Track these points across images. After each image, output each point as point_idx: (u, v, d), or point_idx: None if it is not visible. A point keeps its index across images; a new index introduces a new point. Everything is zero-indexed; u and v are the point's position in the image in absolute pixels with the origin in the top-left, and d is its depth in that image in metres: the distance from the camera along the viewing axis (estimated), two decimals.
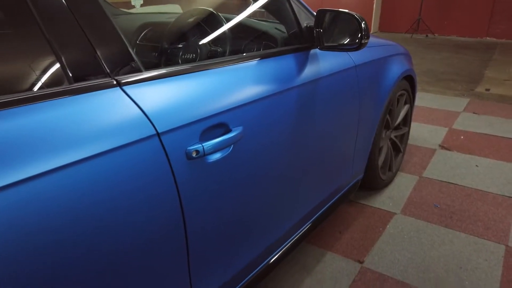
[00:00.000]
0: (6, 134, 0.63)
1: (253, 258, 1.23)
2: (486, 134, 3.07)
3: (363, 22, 1.24)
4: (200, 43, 1.41)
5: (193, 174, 0.91)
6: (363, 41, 1.23)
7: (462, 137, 3.01)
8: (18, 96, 0.67)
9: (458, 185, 2.31)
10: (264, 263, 1.30)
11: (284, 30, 1.47)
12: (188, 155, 0.89)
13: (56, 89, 0.72)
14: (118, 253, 0.78)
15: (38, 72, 0.73)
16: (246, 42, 1.48)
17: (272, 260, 1.34)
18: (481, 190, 2.25)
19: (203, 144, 0.91)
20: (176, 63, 1.40)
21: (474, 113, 3.57)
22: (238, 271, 1.17)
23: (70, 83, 0.75)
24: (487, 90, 4.27)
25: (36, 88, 0.71)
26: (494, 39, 7.97)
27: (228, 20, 1.47)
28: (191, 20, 1.46)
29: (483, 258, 1.71)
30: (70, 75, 0.75)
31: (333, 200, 1.69)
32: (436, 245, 1.79)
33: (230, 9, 1.48)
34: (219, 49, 1.39)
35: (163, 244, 0.88)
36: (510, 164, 2.55)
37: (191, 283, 0.99)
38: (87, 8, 0.79)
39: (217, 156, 0.97)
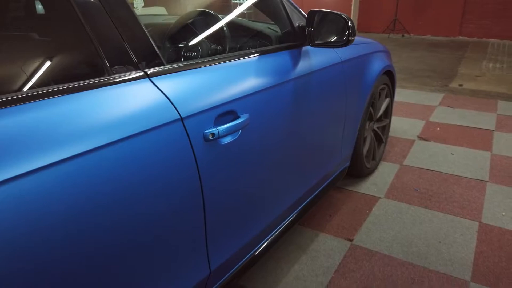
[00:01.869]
0: (62, 118, 0.75)
1: (257, 233, 1.37)
2: (460, 125, 3.30)
3: (350, 21, 1.40)
4: (205, 41, 1.54)
5: (209, 153, 1.04)
6: (350, 38, 1.39)
7: (438, 129, 3.23)
8: (73, 84, 0.80)
9: (435, 171, 2.51)
10: (267, 238, 1.44)
11: (277, 29, 1.61)
12: (206, 137, 1.02)
13: (100, 80, 0.85)
14: (149, 221, 0.90)
15: (85, 66, 0.85)
16: (246, 40, 1.63)
17: (272, 237, 1.48)
18: (456, 175, 2.45)
19: (218, 128, 1.04)
20: (189, 58, 1.52)
21: (448, 106, 3.81)
22: (245, 243, 1.31)
23: (109, 75, 0.88)
24: (460, 85, 4.54)
25: (84, 78, 0.84)
26: (466, 37, 8.35)
27: (227, 20, 1.60)
28: (195, 20, 1.59)
29: (459, 233, 1.90)
30: (110, 68, 0.88)
31: (324, 184, 1.85)
32: (417, 223, 1.98)
33: (228, 11, 1.62)
34: (221, 47, 1.53)
35: (185, 214, 1.01)
36: (482, 152, 2.77)
37: (208, 251, 1.13)
38: (121, 12, 0.92)
39: (228, 139, 1.10)
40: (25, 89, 0.77)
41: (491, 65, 5.66)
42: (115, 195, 0.81)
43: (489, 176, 2.43)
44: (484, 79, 4.83)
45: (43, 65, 0.82)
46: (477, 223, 1.97)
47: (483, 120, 3.42)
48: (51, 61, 0.84)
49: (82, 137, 0.76)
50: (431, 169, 2.54)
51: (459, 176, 2.45)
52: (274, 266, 1.69)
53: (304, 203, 1.69)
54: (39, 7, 1.00)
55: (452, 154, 2.75)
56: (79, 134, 0.76)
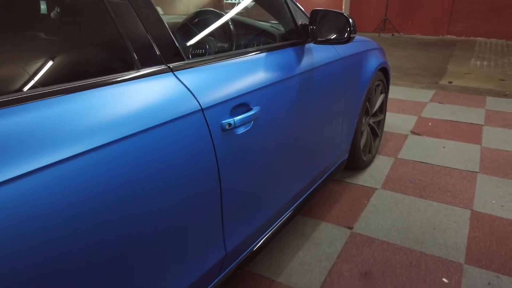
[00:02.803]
0: (100, 107, 0.83)
1: (266, 219, 1.45)
2: (450, 120, 3.43)
3: (351, 19, 1.49)
4: (212, 38, 1.62)
5: (226, 142, 1.13)
6: (351, 35, 1.48)
7: (430, 124, 3.35)
8: (107, 78, 0.87)
9: (428, 163, 2.62)
10: (274, 225, 1.53)
11: (279, 28, 1.70)
12: (223, 127, 1.10)
13: (130, 74, 0.93)
14: (174, 205, 0.98)
15: (118, 61, 0.93)
16: (252, 37, 1.71)
17: (279, 224, 1.57)
18: (448, 167, 2.57)
19: (234, 119, 1.13)
20: (199, 55, 1.60)
21: (439, 103, 3.94)
22: (256, 228, 1.39)
23: (138, 69, 0.95)
24: (450, 82, 4.67)
25: (117, 72, 0.91)
26: (454, 36, 8.54)
27: (235, 20, 1.69)
28: (203, 19, 1.67)
29: (452, 220, 2.01)
30: (139, 63, 0.95)
31: (326, 175, 1.94)
32: (413, 212, 2.08)
33: (229, 10, 1.70)
34: (228, 44, 1.61)
35: (205, 198, 1.09)
36: (471, 145, 2.90)
37: (224, 234, 1.21)
38: (148, 13, 0.99)
39: (242, 129, 1.19)
40: (68, 81, 0.84)
41: (478, 63, 5.82)
42: (145, 180, 0.89)
43: (479, 168, 2.55)
44: (472, 77, 4.97)
45: (85, 60, 0.90)
46: (469, 211, 2.08)
47: (473, 115, 3.55)
48: (91, 57, 0.91)
49: (117, 125, 0.83)
50: (424, 161, 2.65)
51: (451, 168, 2.56)
52: (279, 253, 1.78)
53: (308, 193, 1.78)
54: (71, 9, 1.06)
55: (444, 147, 2.87)
56: (115, 123, 0.83)
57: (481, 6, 8.10)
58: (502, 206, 2.12)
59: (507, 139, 2.99)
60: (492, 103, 3.90)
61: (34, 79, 0.79)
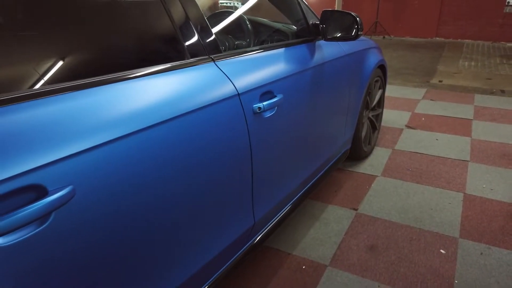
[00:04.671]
0: (162, 90, 1.00)
1: (286, 195, 1.63)
2: (442, 115, 3.65)
3: (358, 18, 1.68)
4: (231, 36, 1.81)
5: (256, 124, 1.30)
6: (359, 33, 1.67)
7: (423, 119, 3.57)
8: (164, 66, 1.05)
9: (423, 154, 2.83)
10: (291, 202, 1.71)
11: (290, 27, 1.89)
12: (254, 111, 1.28)
13: (182, 62, 1.10)
14: (215, 178, 1.15)
15: (173, 52, 1.10)
16: (270, 35, 1.90)
17: (294, 201, 1.75)
18: (442, 157, 2.78)
19: (263, 103, 1.30)
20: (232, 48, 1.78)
21: (431, 100, 4.16)
22: (278, 201, 1.57)
23: (188, 58, 1.13)
24: (440, 81, 4.91)
25: (175, 61, 1.09)
26: (443, 38, 8.84)
27: (254, 21, 1.88)
28: (224, 18, 1.86)
29: (447, 202, 2.21)
30: (188, 54, 1.13)
31: (332, 162, 2.13)
32: (411, 195, 2.28)
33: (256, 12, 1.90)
34: (254, 40, 1.80)
35: (239, 172, 1.26)
36: (462, 137, 3.12)
37: (253, 204, 1.38)
38: (195, 12, 1.17)
39: (268, 113, 1.36)
40: (133, 67, 1.00)
41: (467, 63, 6.09)
42: (199, 153, 1.06)
43: (470, 157, 2.76)
44: (461, 76, 5.22)
45: (147, 50, 1.07)
46: (462, 194, 2.28)
47: (462, 110, 3.78)
48: (152, 48, 1.08)
49: (176, 104, 1.01)
50: (419, 152, 2.86)
51: (444, 157, 2.77)
52: (292, 231, 1.96)
53: (318, 176, 1.96)
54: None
55: (437, 139, 3.08)
56: (174, 101, 1.01)
57: (468, 10, 8.41)
58: (492, 189, 2.33)
59: (494, 132, 3.21)
60: (480, 99, 4.14)
61: (112, 66, 0.96)
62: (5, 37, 0.76)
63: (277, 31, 1.94)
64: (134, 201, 0.89)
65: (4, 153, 0.66)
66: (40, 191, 0.70)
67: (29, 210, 0.67)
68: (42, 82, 0.80)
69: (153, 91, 0.98)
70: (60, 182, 0.73)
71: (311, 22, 1.80)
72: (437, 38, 8.90)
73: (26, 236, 0.68)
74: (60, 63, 0.85)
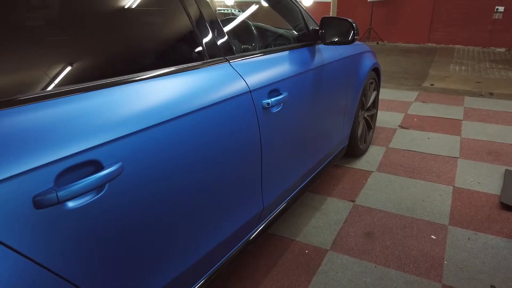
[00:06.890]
0: (186, 87, 1.15)
1: (290, 185, 1.78)
2: (433, 116, 3.83)
3: (354, 24, 1.85)
4: (244, 39, 1.98)
5: (265, 117, 1.46)
6: (355, 37, 1.84)
7: (415, 119, 3.75)
8: (187, 65, 1.21)
9: (416, 151, 3.00)
10: (295, 192, 1.87)
11: (291, 32, 2.06)
12: (263, 106, 1.44)
13: (201, 62, 1.26)
14: (230, 166, 1.30)
15: (194, 53, 1.26)
16: (274, 39, 2.07)
17: (297, 191, 1.90)
18: (433, 154, 2.95)
19: (271, 99, 1.46)
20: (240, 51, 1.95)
21: (423, 102, 4.35)
22: (284, 190, 1.72)
23: (207, 59, 1.29)
24: (432, 85, 5.11)
25: (196, 61, 1.25)
26: (434, 44, 9.08)
27: (259, 27, 2.05)
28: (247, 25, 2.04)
29: (438, 194, 2.37)
30: (207, 55, 1.29)
31: (330, 158, 2.29)
32: (405, 188, 2.44)
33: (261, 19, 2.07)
34: (259, 43, 1.97)
35: (251, 161, 1.42)
36: (452, 136, 3.30)
37: (262, 190, 1.54)
38: (211, 17, 1.33)
39: (275, 109, 1.52)
40: (160, 65, 1.16)
41: (457, 67, 6.30)
42: (216, 143, 1.22)
43: (459, 154, 2.94)
44: (452, 79, 5.43)
45: (175, 53, 1.22)
46: (452, 187, 2.45)
47: (453, 112, 3.96)
48: (180, 50, 1.24)
49: (199, 98, 1.16)
50: (412, 150, 3.03)
51: (435, 154, 2.94)
52: (295, 220, 2.11)
53: (318, 170, 2.12)
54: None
55: (429, 138, 3.26)
56: (198, 96, 1.16)
57: (458, 16, 8.67)
58: (479, 183, 2.50)
59: (483, 131, 3.40)
60: (470, 101, 4.33)
61: (144, 64, 1.11)
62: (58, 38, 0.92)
63: (280, 36, 2.11)
64: (169, 179, 1.05)
65: (71, 134, 0.82)
66: (97, 166, 0.86)
67: (91, 180, 0.82)
68: (100, 75, 0.96)
69: (182, 87, 1.13)
70: (112, 159, 0.88)
71: (311, 28, 1.97)
72: (429, 44, 9.15)
73: (89, 201, 0.84)
74: (119, 61, 1.02)
